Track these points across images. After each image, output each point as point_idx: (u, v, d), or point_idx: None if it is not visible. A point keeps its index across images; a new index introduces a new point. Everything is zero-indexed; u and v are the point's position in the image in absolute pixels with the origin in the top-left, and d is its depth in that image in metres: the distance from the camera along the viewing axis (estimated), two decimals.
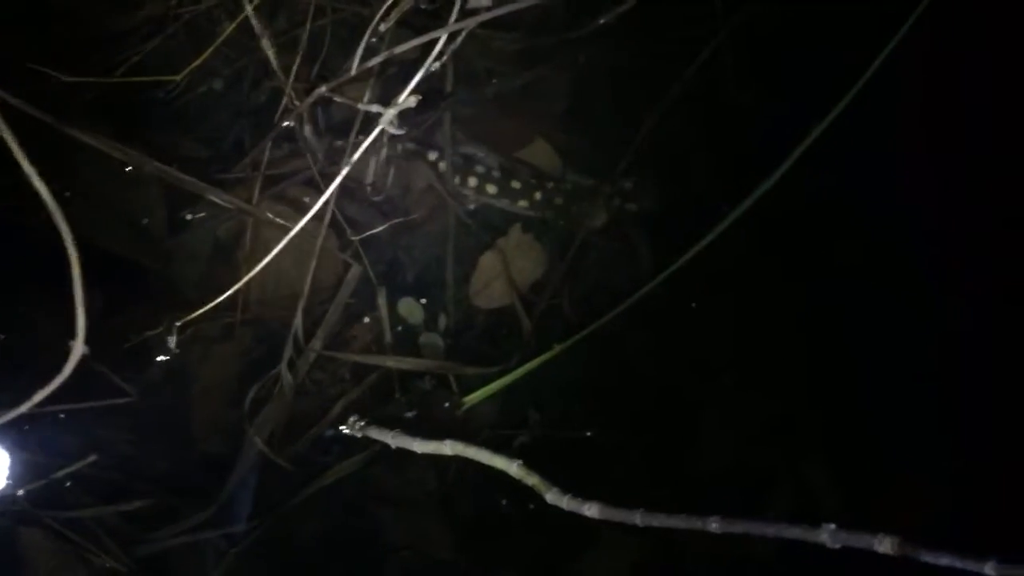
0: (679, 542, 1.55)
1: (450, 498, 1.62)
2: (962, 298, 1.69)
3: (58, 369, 1.20)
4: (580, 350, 1.64)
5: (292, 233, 1.41)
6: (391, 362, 1.64)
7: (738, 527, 1.09)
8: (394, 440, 1.51)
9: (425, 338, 1.69)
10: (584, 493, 1.32)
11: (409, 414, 1.63)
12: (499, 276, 1.73)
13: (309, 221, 1.47)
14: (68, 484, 1.48)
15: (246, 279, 1.44)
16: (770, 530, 1.06)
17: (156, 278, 1.61)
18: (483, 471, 1.53)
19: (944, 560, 0.92)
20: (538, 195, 1.77)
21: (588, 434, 1.66)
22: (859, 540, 0.98)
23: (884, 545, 0.95)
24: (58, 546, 1.46)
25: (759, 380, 1.72)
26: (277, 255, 1.47)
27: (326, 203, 1.50)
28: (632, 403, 1.71)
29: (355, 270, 1.66)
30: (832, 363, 1.73)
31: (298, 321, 1.59)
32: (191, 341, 1.57)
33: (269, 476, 1.56)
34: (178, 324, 1.51)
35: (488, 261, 1.74)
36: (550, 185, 1.78)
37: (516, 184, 1.76)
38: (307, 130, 1.58)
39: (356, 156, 1.39)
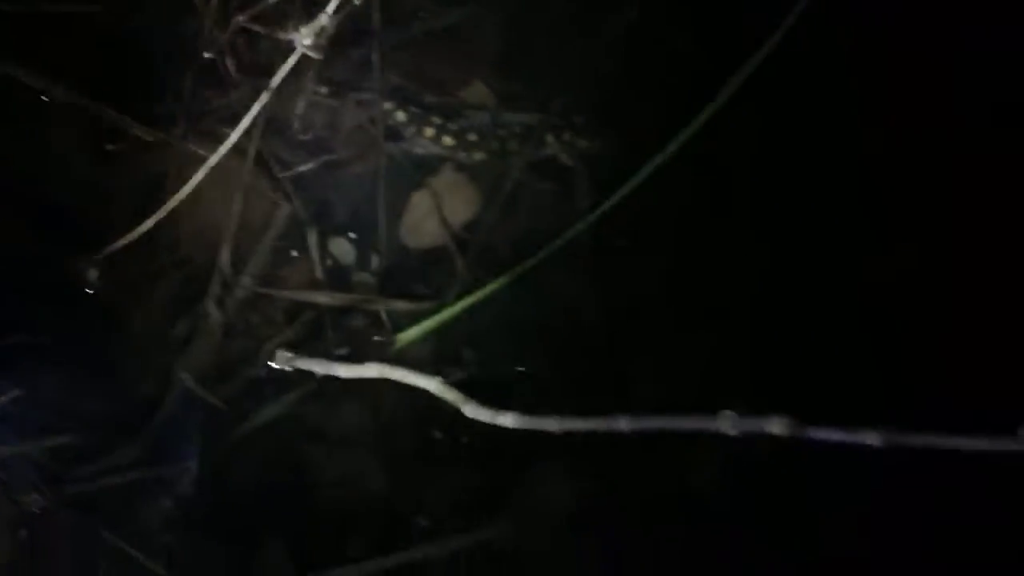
0: (614, 473, 1.57)
1: (384, 434, 1.62)
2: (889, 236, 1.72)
3: None
4: (515, 289, 1.64)
5: (212, 161, 1.41)
6: (322, 298, 1.64)
7: (645, 424, 1.11)
8: (321, 368, 1.51)
9: (357, 277, 1.69)
10: None
11: (342, 351, 1.63)
12: (431, 215, 1.73)
13: (236, 158, 1.47)
14: None
15: (166, 209, 1.43)
16: (673, 424, 1.07)
17: (79, 213, 1.60)
18: (416, 407, 1.55)
19: (834, 436, 0.93)
20: (494, 143, 1.77)
21: (522, 370, 1.67)
22: (754, 424, 0.99)
23: (777, 427, 0.97)
24: None
25: (694, 318, 1.73)
26: (206, 193, 1.48)
27: (249, 136, 1.50)
28: (567, 341, 1.71)
29: (284, 209, 1.66)
30: (768, 302, 1.74)
31: (225, 256, 1.59)
32: (119, 278, 1.56)
33: (202, 415, 1.56)
34: (101, 258, 1.50)
35: (419, 200, 1.74)
36: (501, 131, 1.78)
37: (473, 137, 1.76)
38: (230, 63, 1.57)
39: (277, 81, 1.38)
